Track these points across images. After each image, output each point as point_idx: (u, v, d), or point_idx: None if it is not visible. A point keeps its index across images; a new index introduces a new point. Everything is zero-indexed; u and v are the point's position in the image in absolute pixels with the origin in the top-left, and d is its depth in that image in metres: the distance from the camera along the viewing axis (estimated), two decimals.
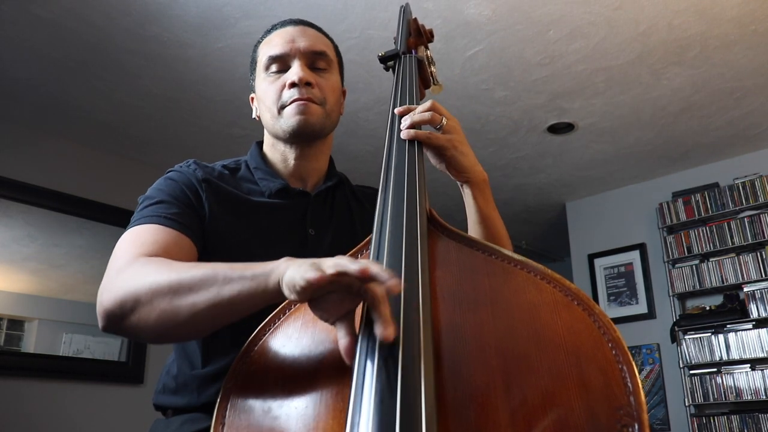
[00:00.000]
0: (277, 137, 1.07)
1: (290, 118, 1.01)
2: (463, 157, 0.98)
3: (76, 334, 3.48)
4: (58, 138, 3.61)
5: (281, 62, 1.04)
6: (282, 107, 1.03)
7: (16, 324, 3.36)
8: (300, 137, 1.04)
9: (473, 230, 1.04)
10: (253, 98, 1.13)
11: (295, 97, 1.01)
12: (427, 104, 0.97)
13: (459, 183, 1.04)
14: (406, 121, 0.95)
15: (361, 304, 0.65)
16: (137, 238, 0.88)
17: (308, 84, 1.02)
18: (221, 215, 0.98)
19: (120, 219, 3.56)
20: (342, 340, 0.63)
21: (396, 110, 0.99)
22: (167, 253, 0.86)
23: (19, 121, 3.42)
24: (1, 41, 2.72)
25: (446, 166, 1.00)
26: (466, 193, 1.03)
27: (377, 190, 1.18)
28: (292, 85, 1.01)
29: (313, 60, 1.05)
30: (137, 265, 0.80)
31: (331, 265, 0.61)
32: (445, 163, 0.99)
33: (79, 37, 2.71)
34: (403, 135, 0.93)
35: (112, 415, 3.42)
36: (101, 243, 3.61)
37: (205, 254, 0.95)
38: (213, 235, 0.97)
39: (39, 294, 3.43)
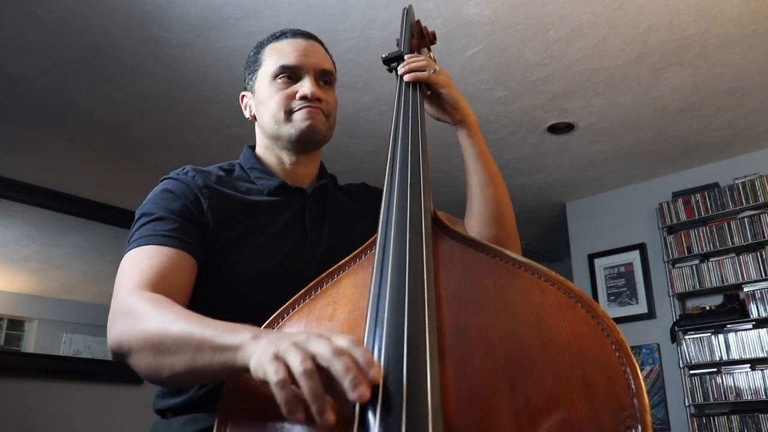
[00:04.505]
0: (277, 140, 1.11)
1: (301, 122, 1.07)
2: (459, 96, 1.12)
3: (76, 334, 3.48)
4: (58, 138, 3.60)
5: (293, 72, 1.09)
6: (290, 112, 1.08)
7: (16, 324, 3.35)
8: (305, 143, 1.09)
9: (472, 169, 1.13)
10: (243, 96, 1.17)
11: (306, 104, 1.07)
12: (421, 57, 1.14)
13: (455, 126, 1.14)
14: (403, 68, 1.12)
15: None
16: (136, 264, 0.92)
17: (318, 99, 1.08)
18: (224, 219, 1.02)
19: (120, 219, 3.56)
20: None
21: (400, 70, 1.14)
22: (165, 277, 0.90)
23: (19, 121, 3.42)
24: (0, 41, 2.72)
25: (444, 107, 1.13)
26: (463, 134, 1.14)
27: (364, 184, 1.25)
28: (303, 97, 1.07)
29: (322, 76, 1.12)
30: (132, 301, 0.84)
31: (299, 362, 0.57)
32: (443, 102, 1.12)
33: (79, 37, 2.71)
34: (406, 78, 1.11)
35: (112, 415, 3.42)
36: (101, 243, 3.60)
37: (213, 258, 0.99)
38: (218, 238, 1.00)
39: (39, 294, 3.43)
